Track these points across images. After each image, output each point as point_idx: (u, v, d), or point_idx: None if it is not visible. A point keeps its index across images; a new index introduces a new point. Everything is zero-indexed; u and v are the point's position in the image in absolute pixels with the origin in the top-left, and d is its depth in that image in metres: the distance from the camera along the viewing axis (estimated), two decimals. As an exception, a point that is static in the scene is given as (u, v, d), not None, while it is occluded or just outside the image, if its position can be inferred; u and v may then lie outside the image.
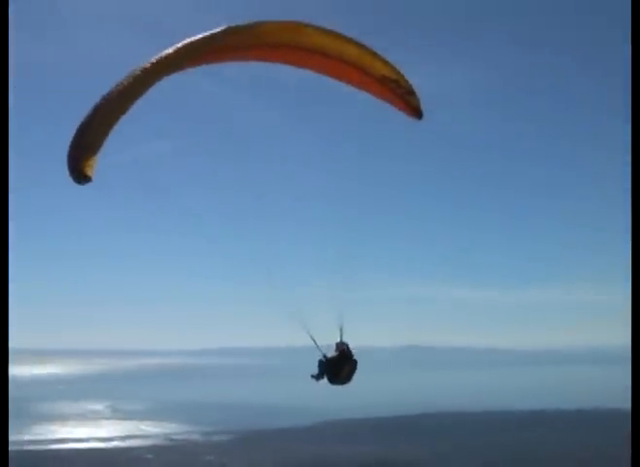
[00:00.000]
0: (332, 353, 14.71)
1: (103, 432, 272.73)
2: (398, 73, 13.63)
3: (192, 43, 12.49)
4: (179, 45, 12.44)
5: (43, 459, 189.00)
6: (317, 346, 14.20)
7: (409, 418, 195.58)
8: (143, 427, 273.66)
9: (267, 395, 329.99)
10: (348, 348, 14.41)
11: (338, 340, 14.36)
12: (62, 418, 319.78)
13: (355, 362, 14.55)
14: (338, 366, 14.27)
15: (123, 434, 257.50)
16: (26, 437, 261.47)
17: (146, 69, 12.11)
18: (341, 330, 14.28)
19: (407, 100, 13.84)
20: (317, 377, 14.69)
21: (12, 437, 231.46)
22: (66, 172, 12.79)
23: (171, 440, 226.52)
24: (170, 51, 12.35)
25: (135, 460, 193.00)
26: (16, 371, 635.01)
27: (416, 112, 14.26)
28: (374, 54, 13.28)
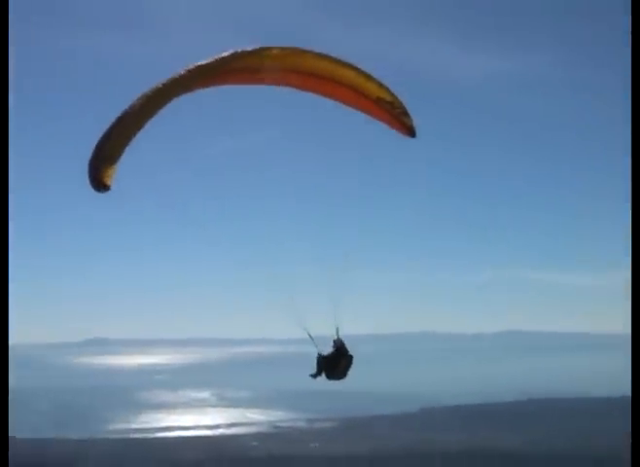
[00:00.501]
0: (329, 350, 15.34)
1: (209, 420, 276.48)
2: (392, 95, 14.49)
3: (202, 66, 13.48)
4: (190, 67, 13.48)
5: (150, 447, 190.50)
6: (314, 344, 14.92)
7: (506, 406, 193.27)
8: (248, 415, 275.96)
9: (370, 382, 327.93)
10: (343, 345, 15.02)
11: (335, 337, 15.11)
12: (168, 407, 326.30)
13: (350, 357, 14.94)
14: (335, 361, 14.87)
15: (228, 422, 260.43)
16: (133, 425, 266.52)
17: (161, 88, 13.10)
18: (337, 328, 15.17)
19: (401, 121, 14.79)
20: (315, 375, 15.24)
21: (119, 425, 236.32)
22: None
23: (276, 427, 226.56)
24: (182, 72, 13.41)
25: (241, 447, 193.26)
26: (123, 360, 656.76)
27: (410, 131, 15.17)
28: (370, 77, 14.04)
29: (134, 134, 12.92)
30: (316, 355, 14.92)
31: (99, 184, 12.99)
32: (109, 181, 13.07)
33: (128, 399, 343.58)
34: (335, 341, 14.97)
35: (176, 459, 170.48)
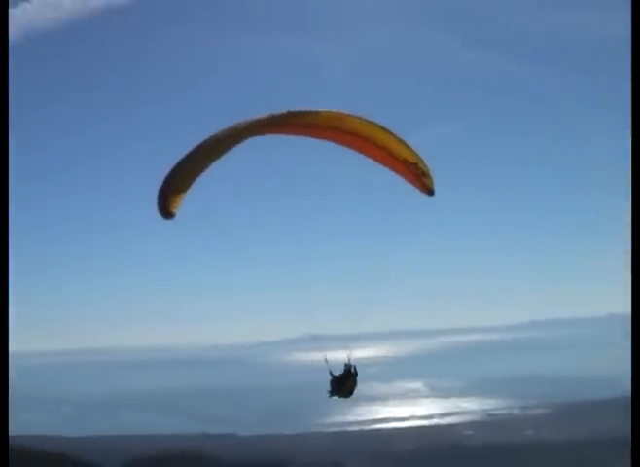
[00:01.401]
0: (339, 372, 17.21)
1: (423, 410, 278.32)
2: (417, 157, 16.32)
3: (265, 118, 15.19)
4: (255, 118, 15.20)
5: (366, 439, 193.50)
6: (329, 370, 17.05)
7: None
8: (462, 404, 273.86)
9: (581, 366, 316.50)
10: (354, 369, 17.23)
11: (348, 361, 17.31)
12: (382, 399, 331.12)
13: (355, 382, 17.23)
14: (342, 382, 17.53)
15: (442, 411, 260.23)
16: (349, 418, 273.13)
17: (227, 134, 14.63)
18: (350, 356, 17.83)
19: (422, 181, 16.66)
20: (330, 394, 17.36)
21: (335, 418, 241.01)
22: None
23: (490, 415, 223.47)
24: (251, 121, 15.13)
25: (455, 437, 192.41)
26: (337, 355, 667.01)
27: (429, 191, 16.86)
28: (400, 141, 15.78)
29: (201, 171, 14.49)
30: (329, 378, 16.56)
31: (167, 213, 14.57)
32: (175, 209, 14.56)
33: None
34: (345, 365, 16.76)
35: (392, 451, 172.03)
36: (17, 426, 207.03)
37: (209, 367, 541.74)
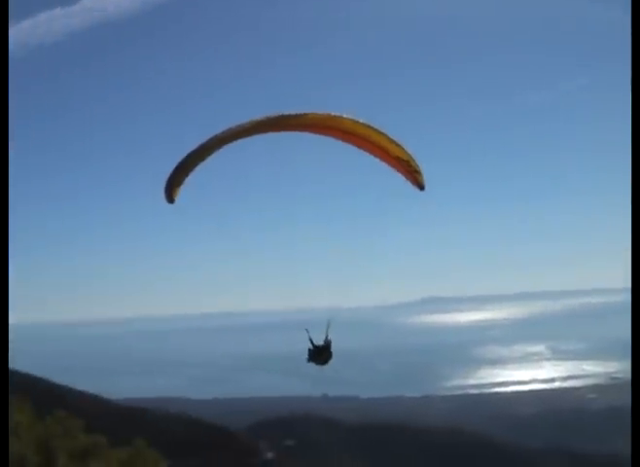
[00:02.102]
0: (319, 342, 19.15)
1: (544, 373, 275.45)
2: (409, 156, 17.70)
3: (262, 120, 16.87)
4: (254, 120, 16.88)
5: (486, 402, 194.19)
6: (310, 341, 18.87)
7: None
8: (585, 367, 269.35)
9: None
10: (329, 343, 19.14)
11: (326, 333, 19.08)
12: (504, 362, 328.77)
13: (330, 353, 19.15)
14: (320, 353, 19.07)
15: (564, 375, 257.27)
16: (470, 381, 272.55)
17: (222, 136, 16.61)
18: (327, 329, 19.01)
19: (414, 177, 18.02)
20: (308, 360, 19.19)
21: (456, 382, 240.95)
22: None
23: (613, 378, 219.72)
24: (246, 124, 16.75)
25: (578, 400, 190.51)
26: (457, 318, 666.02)
27: (420, 186, 18.34)
28: (392, 140, 17.54)
29: (196, 165, 17.08)
30: (309, 346, 18.93)
31: (170, 198, 17.02)
32: (176, 197, 17.04)
33: (464, 355, 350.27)
34: (325, 339, 19.07)
35: (512, 414, 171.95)
36: (144, 389, 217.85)
37: (333, 330, 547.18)
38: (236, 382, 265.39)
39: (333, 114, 17.37)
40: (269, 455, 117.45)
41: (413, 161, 17.83)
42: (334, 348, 19.55)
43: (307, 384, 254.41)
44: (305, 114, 17.41)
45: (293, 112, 17.47)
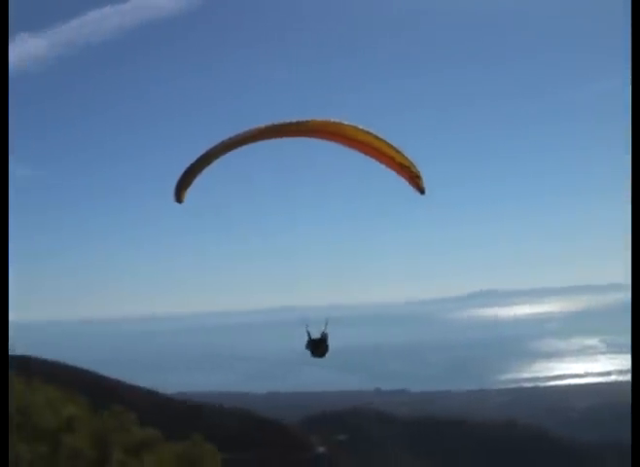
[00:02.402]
0: (316, 335, 20.17)
1: (599, 367, 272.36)
2: (410, 162, 18.73)
3: (269, 127, 17.97)
4: (260, 126, 18.02)
5: (542, 396, 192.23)
6: (308, 334, 19.90)
7: None
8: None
9: None
10: (326, 336, 20.26)
11: (324, 328, 20.19)
12: (559, 355, 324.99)
13: (327, 346, 20.28)
14: (317, 345, 20.22)
15: (620, 368, 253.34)
16: (525, 375, 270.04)
17: (228, 142, 17.80)
18: (326, 325, 20.10)
19: (415, 182, 18.94)
20: (306, 347, 20.36)
21: (511, 375, 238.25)
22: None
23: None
24: (253, 130, 17.94)
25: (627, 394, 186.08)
26: (511, 311, 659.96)
27: (421, 190, 19.27)
28: (394, 148, 18.49)
29: (203, 169, 18.46)
30: (307, 338, 20.19)
31: (179, 199, 18.69)
32: (184, 198, 18.66)
33: (519, 349, 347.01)
34: (321, 333, 20.11)
35: (567, 407, 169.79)
36: (198, 384, 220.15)
37: (387, 324, 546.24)
38: (289, 377, 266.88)
39: (335, 121, 18.48)
40: (321, 450, 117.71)
41: (414, 166, 19.00)
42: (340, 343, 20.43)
43: (360, 379, 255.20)
44: (309, 121, 18.37)
45: (297, 119, 18.48)
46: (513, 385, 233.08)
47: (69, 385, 37.91)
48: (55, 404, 30.43)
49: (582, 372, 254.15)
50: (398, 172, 19.22)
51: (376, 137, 18.56)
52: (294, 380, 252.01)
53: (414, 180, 18.96)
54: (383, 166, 19.01)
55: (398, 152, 18.75)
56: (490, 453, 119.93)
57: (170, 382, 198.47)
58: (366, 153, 19.12)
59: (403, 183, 19.20)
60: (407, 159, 18.70)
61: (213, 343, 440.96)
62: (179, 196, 18.52)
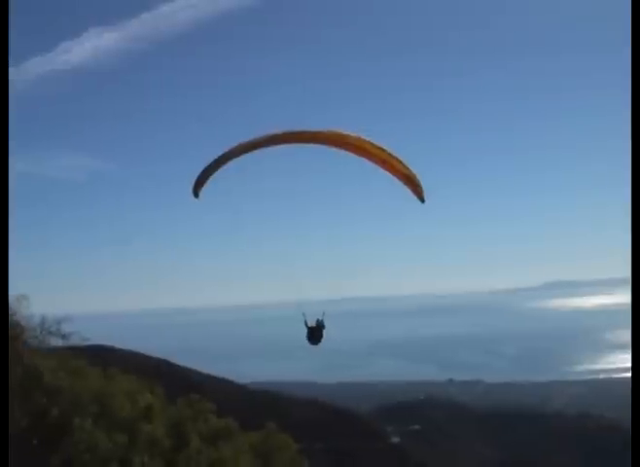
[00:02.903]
0: (312, 323, 21.53)
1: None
2: (411, 172, 20.22)
3: (278, 134, 19.62)
4: (271, 133, 19.65)
5: (615, 387, 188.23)
6: (305, 322, 21.38)
7: None
8: None
9: None
10: (322, 324, 21.58)
11: (321, 318, 21.54)
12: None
13: (322, 334, 21.62)
14: (313, 333, 21.50)
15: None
16: (599, 366, 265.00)
17: (239, 147, 19.64)
18: (324, 315, 21.43)
19: (416, 191, 20.41)
20: (307, 337, 21.80)
21: (585, 367, 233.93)
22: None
23: None
24: (264, 136, 19.68)
25: None
26: (585, 302, 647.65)
27: (421, 199, 20.73)
28: (400, 161, 20.01)
29: (218, 169, 20.20)
30: (307, 326, 21.59)
31: (196, 194, 20.66)
32: (200, 192, 20.64)
33: (593, 340, 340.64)
34: (317, 320, 21.57)
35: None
36: (272, 373, 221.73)
37: (460, 314, 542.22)
38: (362, 367, 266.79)
39: (346, 133, 19.95)
40: (396, 439, 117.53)
41: (415, 177, 20.48)
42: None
43: (433, 369, 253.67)
44: (322, 131, 20.04)
45: (311, 128, 20.27)
46: (587, 377, 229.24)
47: (146, 375, 38.25)
48: (133, 393, 30.71)
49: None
50: (404, 182, 20.59)
51: (381, 149, 20.19)
52: (365, 370, 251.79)
53: (417, 189, 20.56)
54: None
55: (401, 163, 20.20)
56: (564, 445, 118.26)
57: (244, 372, 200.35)
58: (375, 163, 20.59)
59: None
60: (410, 170, 20.27)
61: (284, 333, 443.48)
62: (196, 191, 20.70)
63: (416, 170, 20.14)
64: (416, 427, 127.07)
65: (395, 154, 20.30)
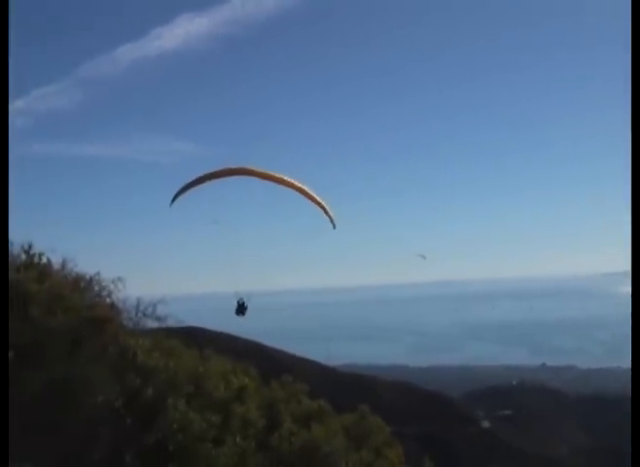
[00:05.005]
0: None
1: None
2: (324, 206, 26.97)
3: (233, 169, 26.07)
4: (232, 167, 26.15)
5: None
6: (237, 302, 27.22)
7: None
8: None
9: None
10: (242, 301, 27.46)
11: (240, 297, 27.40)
12: None
13: (245, 308, 27.57)
14: (239, 308, 27.45)
15: None
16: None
17: (210, 174, 25.60)
18: (248, 299, 27.32)
19: (330, 219, 27.34)
20: (236, 312, 27.82)
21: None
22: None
23: None
24: (226, 169, 25.90)
25: None
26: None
27: (333, 226, 27.75)
28: (314, 196, 26.49)
29: (190, 188, 26.17)
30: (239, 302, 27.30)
31: (171, 203, 26.62)
32: (172, 203, 26.68)
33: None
34: (240, 299, 27.27)
35: None
36: (363, 356, 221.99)
37: (552, 298, 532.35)
38: (453, 351, 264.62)
39: (260, 170, 25.99)
40: (486, 424, 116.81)
41: (327, 209, 27.08)
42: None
43: (525, 353, 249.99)
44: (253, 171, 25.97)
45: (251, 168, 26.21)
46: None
47: (239, 356, 38.56)
48: (227, 374, 30.90)
49: None
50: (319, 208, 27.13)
51: (297, 185, 26.29)
52: (457, 354, 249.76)
53: (330, 218, 27.23)
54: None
55: (318, 199, 26.76)
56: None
57: (336, 354, 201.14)
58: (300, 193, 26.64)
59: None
60: (323, 205, 26.94)
61: (376, 316, 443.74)
62: (172, 201, 26.56)
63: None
64: (507, 412, 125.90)
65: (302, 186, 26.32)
